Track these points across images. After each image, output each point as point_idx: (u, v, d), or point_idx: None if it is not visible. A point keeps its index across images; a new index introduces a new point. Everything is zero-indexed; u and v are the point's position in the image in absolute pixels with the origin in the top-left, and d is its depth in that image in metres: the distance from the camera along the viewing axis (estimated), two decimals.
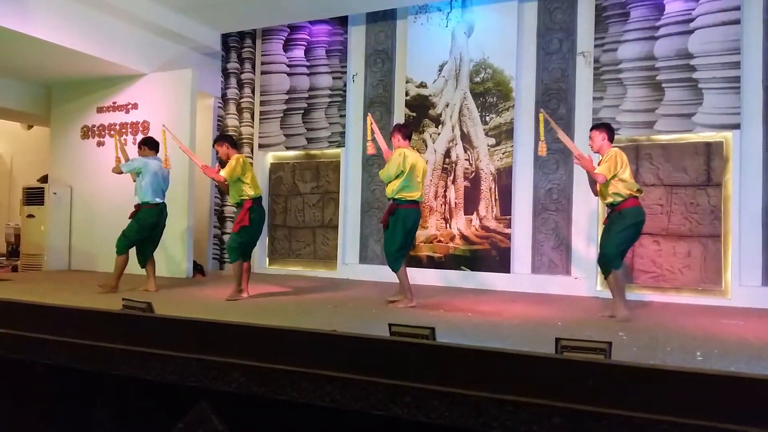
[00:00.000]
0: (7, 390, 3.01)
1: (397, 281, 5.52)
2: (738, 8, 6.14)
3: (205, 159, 8.56)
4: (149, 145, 6.19)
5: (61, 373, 2.77)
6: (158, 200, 6.05)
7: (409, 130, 5.79)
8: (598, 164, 4.98)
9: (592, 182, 5.09)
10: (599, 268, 5.05)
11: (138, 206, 6.03)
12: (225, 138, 6.05)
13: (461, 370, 2.07)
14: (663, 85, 6.44)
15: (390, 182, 5.40)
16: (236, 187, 5.63)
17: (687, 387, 1.85)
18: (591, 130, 5.17)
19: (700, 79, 6.28)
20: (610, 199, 4.94)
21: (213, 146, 5.92)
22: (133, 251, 6.09)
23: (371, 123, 5.88)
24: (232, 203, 5.83)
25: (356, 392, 2.15)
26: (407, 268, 5.52)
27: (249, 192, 5.65)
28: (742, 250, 6.07)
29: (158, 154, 6.18)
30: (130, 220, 6.05)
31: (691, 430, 1.80)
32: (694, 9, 6.34)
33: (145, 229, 6.01)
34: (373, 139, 5.82)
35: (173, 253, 7.62)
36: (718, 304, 5.98)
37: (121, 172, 6.10)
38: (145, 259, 6.10)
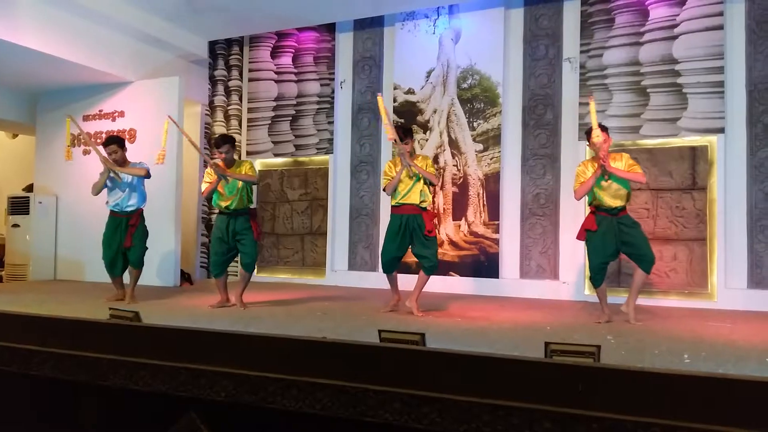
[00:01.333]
0: None
1: (389, 288, 5.52)
2: (721, 14, 6.22)
3: (193, 165, 8.56)
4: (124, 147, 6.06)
5: (47, 384, 2.74)
6: None
7: None
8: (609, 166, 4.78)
9: (590, 186, 4.84)
10: (645, 267, 4.88)
11: (141, 211, 5.98)
12: (232, 140, 5.76)
13: (452, 376, 2.07)
14: (648, 90, 6.50)
15: (423, 189, 5.21)
16: (245, 192, 5.57)
17: (675, 389, 1.86)
18: (605, 131, 4.81)
19: (685, 84, 6.35)
20: (621, 203, 4.84)
21: (220, 146, 5.53)
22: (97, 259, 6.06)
23: (382, 105, 5.39)
24: (233, 208, 5.59)
25: (347, 399, 2.14)
26: (398, 274, 5.53)
27: (252, 199, 5.72)
28: (727, 253, 6.13)
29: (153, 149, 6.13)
30: (135, 228, 5.91)
31: None
32: (678, 15, 6.41)
33: None
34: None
35: (160, 261, 7.57)
36: (704, 307, 6.02)
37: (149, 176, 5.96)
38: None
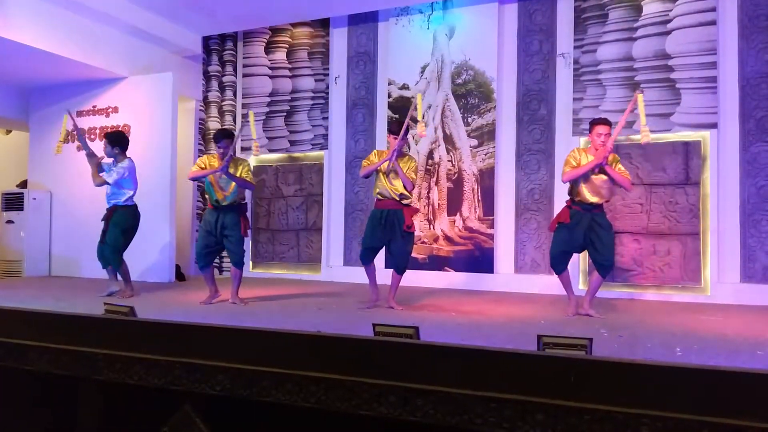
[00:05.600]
0: None
1: (390, 285, 5.47)
2: (714, 9, 6.25)
3: (187, 162, 8.54)
4: (125, 146, 6.06)
5: (43, 379, 2.75)
6: (134, 201, 6.05)
7: None
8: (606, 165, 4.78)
9: (581, 172, 4.82)
10: (603, 273, 4.94)
11: (114, 207, 5.96)
12: (231, 135, 5.65)
13: (445, 369, 2.08)
14: (641, 85, 6.52)
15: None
16: (238, 190, 5.54)
17: (666, 381, 1.88)
18: (608, 125, 4.81)
19: (678, 80, 6.38)
20: (598, 200, 4.85)
21: (219, 141, 5.48)
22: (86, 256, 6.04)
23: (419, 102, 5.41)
24: (225, 203, 5.56)
25: (341, 393, 2.16)
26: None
27: (242, 195, 5.67)
28: (720, 247, 6.17)
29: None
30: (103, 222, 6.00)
31: (671, 424, 1.83)
32: (671, 10, 6.44)
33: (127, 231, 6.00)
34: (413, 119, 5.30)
35: (155, 256, 7.56)
36: (697, 301, 6.07)
37: (104, 183, 5.91)
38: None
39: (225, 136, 5.51)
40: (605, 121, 4.85)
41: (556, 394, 1.92)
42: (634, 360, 1.98)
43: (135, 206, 6.00)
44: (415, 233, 5.37)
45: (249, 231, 5.63)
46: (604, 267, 4.90)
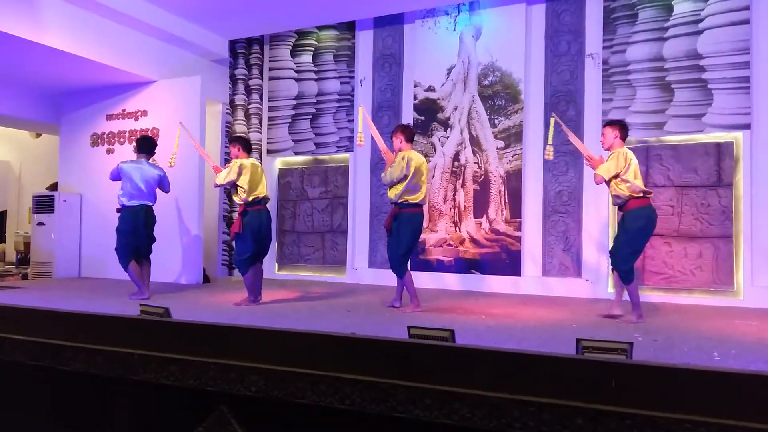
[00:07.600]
0: (26, 397, 3.02)
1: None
2: (747, 8, 6.13)
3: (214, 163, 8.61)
4: (140, 148, 6.30)
5: (79, 379, 2.78)
6: (133, 203, 6.05)
7: (413, 132, 5.74)
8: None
9: (595, 176, 5.11)
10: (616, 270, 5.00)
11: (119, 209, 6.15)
12: (237, 140, 5.85)
13: (482, 372, 2.06)
14: (672, 86, 6.42)
15: (393, 186, 5.34)
16: (235, 191, 5.60)
17: (709, 386, 1.83)
18: (604, 126, 5.16)
19: (710, 80, 6.26)
20: (614, 201, 5.00)
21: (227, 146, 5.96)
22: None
23: (364, 114, 5.95)
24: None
25: (376, 395, 2.14)
26: (411, 272, 5.51)
27: (242, 196, 5.49)
28: (753, 250, 6.04)
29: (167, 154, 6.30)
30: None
31: (714, 429, 1.79)
32: (702, 9, 6.33)
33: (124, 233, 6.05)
34: (364, 132, 5.80)
35: (183, 259, 7.63)
36: (730, 305, 5.95)
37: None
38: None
39: (229, 141, 5.93)
40: (606, 124, 5.22)
41: (595, 399, 1.89)
42: (677, 364, 1.94)
43: (129, 208, 6.03)
44: (391, 234, 5.40)
45: (235, 234, 5.55)
46: (614, 267, 4.96)
